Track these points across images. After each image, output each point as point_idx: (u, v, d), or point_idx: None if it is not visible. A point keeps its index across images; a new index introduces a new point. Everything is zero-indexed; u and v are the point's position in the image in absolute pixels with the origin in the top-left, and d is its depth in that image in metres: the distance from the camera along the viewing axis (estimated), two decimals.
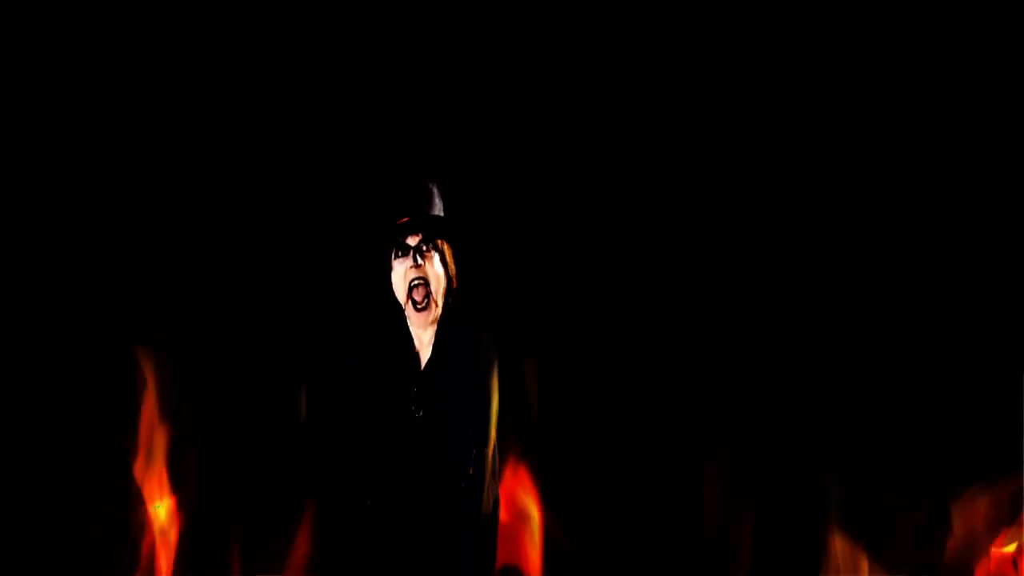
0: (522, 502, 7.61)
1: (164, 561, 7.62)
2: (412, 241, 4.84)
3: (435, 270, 4.83)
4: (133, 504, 7.64)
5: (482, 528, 4.69)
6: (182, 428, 7.70)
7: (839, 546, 7.59)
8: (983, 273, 7.66)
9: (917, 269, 7.69)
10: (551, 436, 7.71)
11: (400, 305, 4.86)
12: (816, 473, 7.68)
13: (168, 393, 7.70)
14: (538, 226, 7.76)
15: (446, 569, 4.68)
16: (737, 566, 7.67)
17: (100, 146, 7.76)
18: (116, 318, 7.73)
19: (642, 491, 7.69)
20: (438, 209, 4.90)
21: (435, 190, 4.91)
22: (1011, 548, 7.48)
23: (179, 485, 7.67)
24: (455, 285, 4.86)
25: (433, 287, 4.82)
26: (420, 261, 4.82)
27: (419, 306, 4.82)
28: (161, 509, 7.63)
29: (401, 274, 4.84)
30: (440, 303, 4.83)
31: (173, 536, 7.63)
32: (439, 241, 4.86)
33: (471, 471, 4.64)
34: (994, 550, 7.49)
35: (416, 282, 4.82)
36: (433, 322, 4.84)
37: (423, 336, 4.86)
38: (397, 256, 4.85)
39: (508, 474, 7.58)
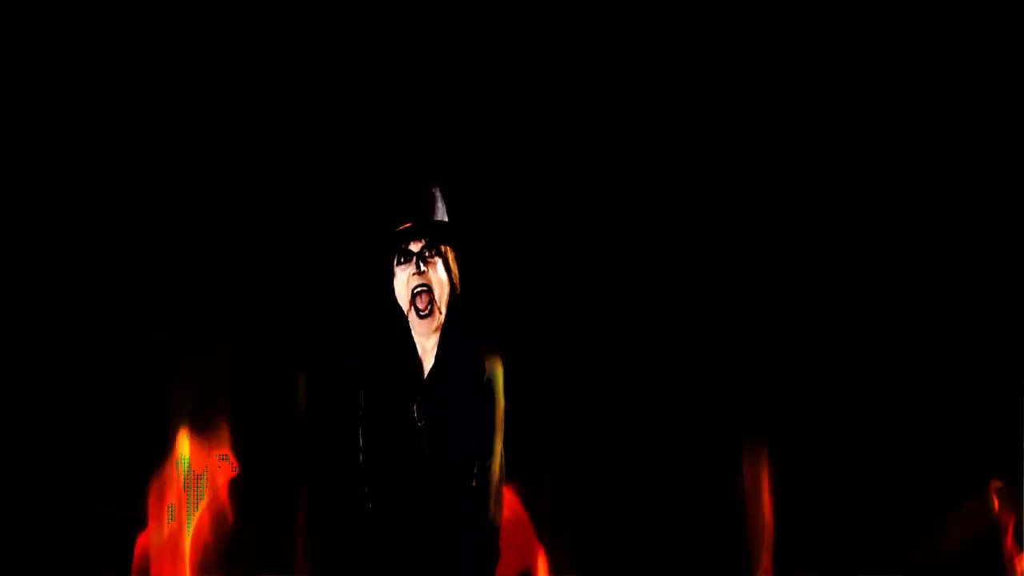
0: (521, 503, 7.62)
1: (170, 560, 7.63)
2: (415, 247, 4.69)
3: (439, 276, 4.69)
4: (139, 503, 7.65)
5: (483, 532, 4.62)
6: (182, 428, 7.70)
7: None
8: (983, 273, 7.66)
9: (917, 270, 7.69)
10: (551, 436, 7.71)
11: (403, 311, 4.73)
12: (816, 473, 7.68)
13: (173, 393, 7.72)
14: (538, 226, 7.75)
15: (447, 571, 4.64)
16: (737, 566, 7.67)
17: (100, 146, 7.75)
18: (116, 318, 7.73)
19: (642, 491, 7.69)
20: (441, 214, 4.75)
21: (438, 194, 4.77)
22: None
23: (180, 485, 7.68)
24: (459, 291, 4.73)
25: (437, 294, 4.68)
26: (423, 268, 4.68)
27: (422, 313, 4.68)
28: (169, 510, 7.63)
29: (404, 281, 4.70)
30: (444, 310, 4.69)
31: (181, 536, 7.64)
32: (443, 247, 4.72)
33: (474, 484, 4.56)
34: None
35: (419, 289, 4.68)
36: (437, 329, 4.71)
37: (426, 343, 4.73)
38: (399, 262, 4.71)
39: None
